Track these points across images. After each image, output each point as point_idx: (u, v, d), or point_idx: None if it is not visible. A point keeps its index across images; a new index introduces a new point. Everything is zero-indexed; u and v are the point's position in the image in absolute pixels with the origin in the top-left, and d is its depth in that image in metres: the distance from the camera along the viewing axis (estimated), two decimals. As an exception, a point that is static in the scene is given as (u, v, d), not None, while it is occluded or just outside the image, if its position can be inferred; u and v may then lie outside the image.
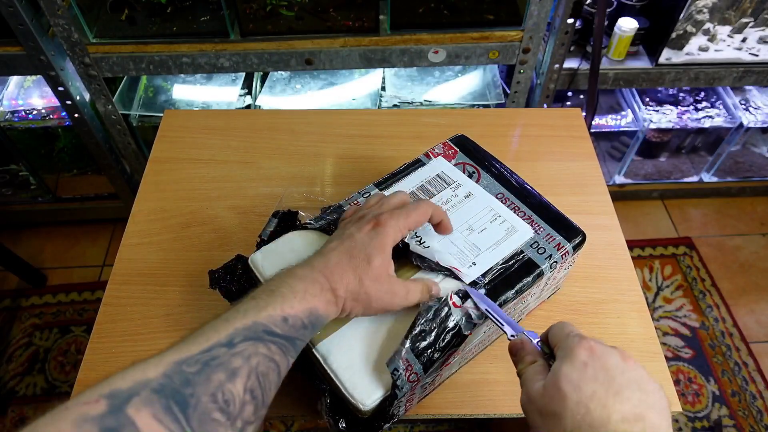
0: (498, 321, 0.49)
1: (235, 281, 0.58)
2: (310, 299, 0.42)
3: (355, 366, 0.49)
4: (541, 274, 0.54)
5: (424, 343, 0.48)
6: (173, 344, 0.36)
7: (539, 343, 0.44)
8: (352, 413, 0.49)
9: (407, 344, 0.48)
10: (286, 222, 0.59)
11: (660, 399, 0.36)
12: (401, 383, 0.46)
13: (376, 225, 0.47)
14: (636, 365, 0.38)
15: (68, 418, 0.28)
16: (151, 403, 0.30)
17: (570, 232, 0.58)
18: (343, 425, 0.49)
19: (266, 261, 0.55)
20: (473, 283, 0.53)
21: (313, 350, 0.50)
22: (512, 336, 0.47)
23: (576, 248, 0.58)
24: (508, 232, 0.57)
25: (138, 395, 0.30)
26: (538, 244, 0.56)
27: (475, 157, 0.65)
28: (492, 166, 0.64)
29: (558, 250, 0.56)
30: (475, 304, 0.51)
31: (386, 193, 0.61)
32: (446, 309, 0.50)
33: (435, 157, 0.65)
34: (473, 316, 0.51)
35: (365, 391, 0.47)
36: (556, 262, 0.55)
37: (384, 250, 0.46)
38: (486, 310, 0.50)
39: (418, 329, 0.48)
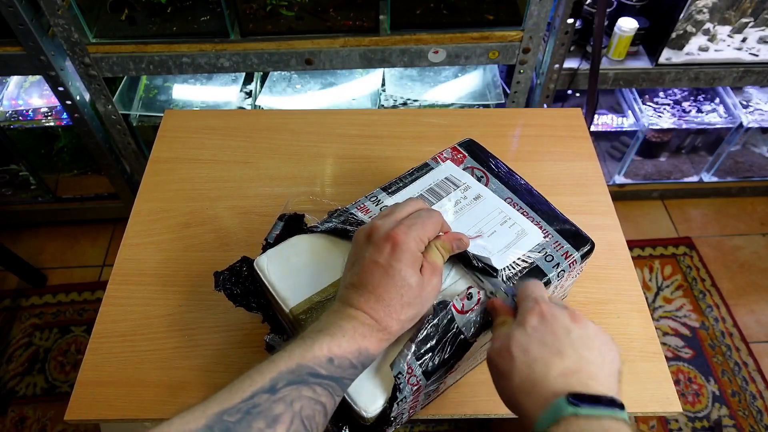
0: (479, 277, 0.51)
1: (240, 284, 0.58)
2: (360, 340, 0.41)
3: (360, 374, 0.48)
4: (548, 283, 0.54)
5: (426, 347, 0.48)
6: (218, 391, 0.36)
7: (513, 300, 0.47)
8: (355, 420, 0.48)
9: (412, 348, 0.47)
10: (292, 225, 0.59)
11: (603, 351, 0.40)
12: (403, 387, 0.46)
13: (394, 244, 0.44)
14: (584, 324, 0.41)
15: None
16: None
17: (578, 240, 0.57)
18: None
19: (272, 264, 0.55)
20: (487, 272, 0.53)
21: None
22: (490, 294, 0.50)
23: (584, 257, 0.57)
24: (518, 236, 0.57)
25: None
26: (546, 252, 0.55)
27: (484, 162, 0.64)
28: (501, 171, 0.64)
29: (566, 258, 0.55)
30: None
31: (395, 198, 0.60)
32: (449, 315, 0.49)
33: (443, 161, 0.64)
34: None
35: (369, 398, 0.47)
36: (563, 270, 0.55)
37: (414, 265, 0.44)
38: (474, 256, 0.51)
39: (423, 334, 0.48)
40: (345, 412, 0.49)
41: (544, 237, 0.57)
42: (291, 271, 0.54)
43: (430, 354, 0.48)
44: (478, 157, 0.65)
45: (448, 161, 0.64)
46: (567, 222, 0.59)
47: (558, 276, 0.55)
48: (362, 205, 0.59)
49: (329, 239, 0.57)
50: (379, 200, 0.60)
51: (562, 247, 0.56)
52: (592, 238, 0.57)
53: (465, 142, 0.68)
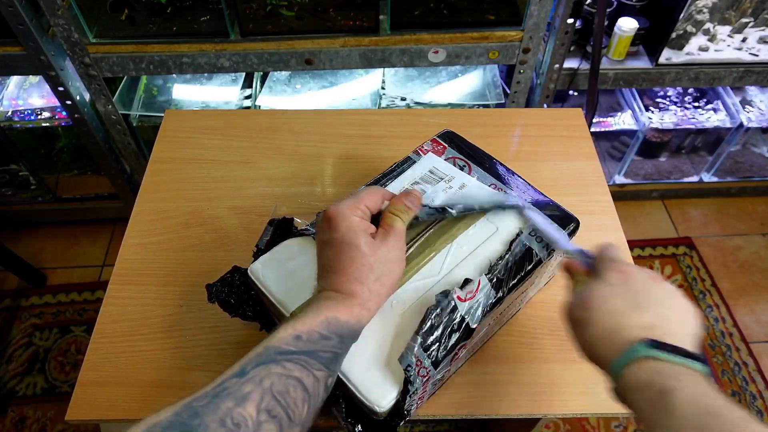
0: (553, 238, 0.53)
1: (234, 293, 0.58)
2: (325, 311, 0.42)
3: (366, 369, 0.49)
4: (540, 262, 0.55)
5: (432, 338, 0.48)
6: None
7: (591, 261, 0.49)
8: (368, 415, 0.49)
9: (418, 340, 0.48)
10: (282, 230, 0.59)
11: (681, 312, 0.42)
12: (413, 379, 0.47)
13: (328, 219, 0.46)
14: (664, 286, 0.43)
15: None
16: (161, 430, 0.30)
17: (564, 219, 0.59)
18: (360, 429, 0.49)
19: (266, 270, 0.55)
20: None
21: None
22: (567, 253, 0.52)
23: (571, 235, 0.59)
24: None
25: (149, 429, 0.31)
26: (536, 233, 0.57)
27: (464, 152, 0.66)
28: (482, 159, 0.65)
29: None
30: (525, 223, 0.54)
31: None
32: (452, 304, 0.50)
33: (425, 153, 0.65)
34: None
35: (380, 393, 0.47)
36: (553, 249, 0.56)
37: (355, 231, 0.45)
38: (541, 228, 0.54)
39: (428, 324, 0.48)
40: (357, 409, 0.49)
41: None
42: (286, 275, 0.54)
43: (437, 344, 0.48)
44: (459, 147, 0.66)
45: (430, 153, 0.65)
46: (551, 203, 0.61)
47: (548, 255, 0.56)
48: None
49: None
50: None
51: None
52: (576, 217, 0.60)
53: (444, 133, 0.68)
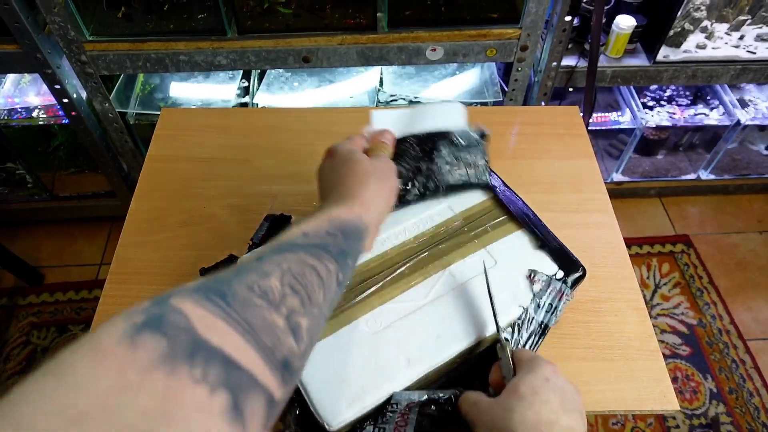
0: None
1: None
2: (328, 212, 0.44)
3: (327, 383, 0.48)
4: (547, 328, 0.55)
5: (431, 409, 0.48)
6: None
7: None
8: (320, 430, 0.48)
9: (424, 397, 0.48)
10: (278, 225, 0.59)
11: (584, 422, 0.45)
12: (390, 419, 0.46)
13: (327, 152, 0.54)
14: (578, 396, 0.46)
15: (117, 318, 0.28)
16: (191, 296, 0.30)
17: (570, 266, 0.59)
18: None
19: None
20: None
21: None
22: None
23: (575, 284, 0.58)
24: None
25: (178, 293, 0.30)
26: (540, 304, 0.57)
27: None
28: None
29: (559, 299, 0.57)
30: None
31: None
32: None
33: None
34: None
35: (333, 411, 0.47)
36: (557, 309, 0.56)
37: (352, 150, 0.52)
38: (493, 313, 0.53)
39: (436, 397, 0.48)
40: (311, 419, 0.48)
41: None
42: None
43: (430, 417, 0.48)
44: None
45: None
46: (562, 248, 0.61)
47: (555, 317, 0.56)
48: None
49: None
50: None
51: (556, 288, 0.57)
52: (583, 265, 0.60)
53: None
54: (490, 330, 0.54)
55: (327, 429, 0.46)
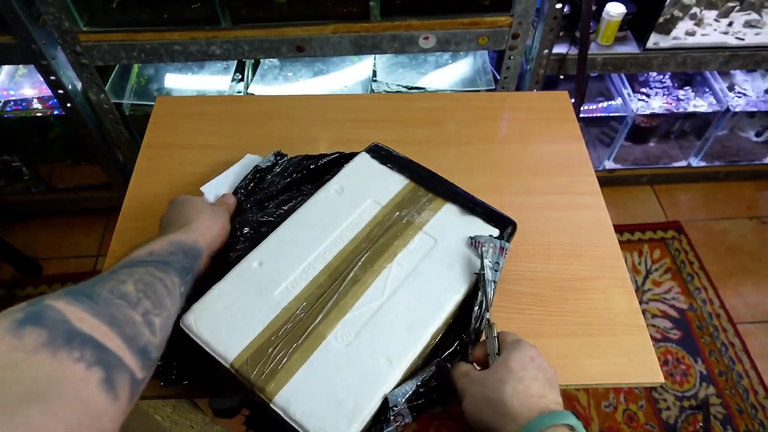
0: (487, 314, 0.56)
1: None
2: (169, 236, 0.52)
3: (320, 411, 0.48)
4: (495, 284, 0.58)
5: (422, 392, 0.50)
6: None
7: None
8: None
9: (413, 387, 0.49)
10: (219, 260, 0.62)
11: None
12: (391, 422, 0.47)
13: (169, 203, 0.65)
14: (556, 377, 0.49)
15: None
16: (62, 297, 0.37)
17: (503, 223, 0.62)
18: None
19: (200, 320, 0.54)
20: None
21: (272, 406, 0.48)
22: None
23: (509, 238, 0.62)
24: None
25: (49, 297, 0.37)
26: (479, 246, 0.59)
27: (396, 166, 0.68)
28: (415, 171, 0.67)
29: (502, 255, 0.59)
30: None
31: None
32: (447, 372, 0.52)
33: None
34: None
35: (343, 425, 0.47)
36: (500, 265, 0.59)
37: (189, 195, 0.64)
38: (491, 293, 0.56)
39: (422, 380, 0.50)
40: None
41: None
42: (222, 323, 0.53)
43: (423, 399, 0.50)
44: (387, 161, 0.68)
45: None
46: (487, 207, 0.64)
47: (497, 272, 0.58)
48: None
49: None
50: None
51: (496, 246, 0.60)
52: (513, 220, 0.63)
53: (371, 147, 0.70)
54: (452, 303, 0.56)
55: None
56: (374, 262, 0.58)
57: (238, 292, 0.56)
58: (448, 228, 0.61)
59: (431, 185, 0.66)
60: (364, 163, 0.68)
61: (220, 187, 0.71)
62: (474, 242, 0.60)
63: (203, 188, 0.71)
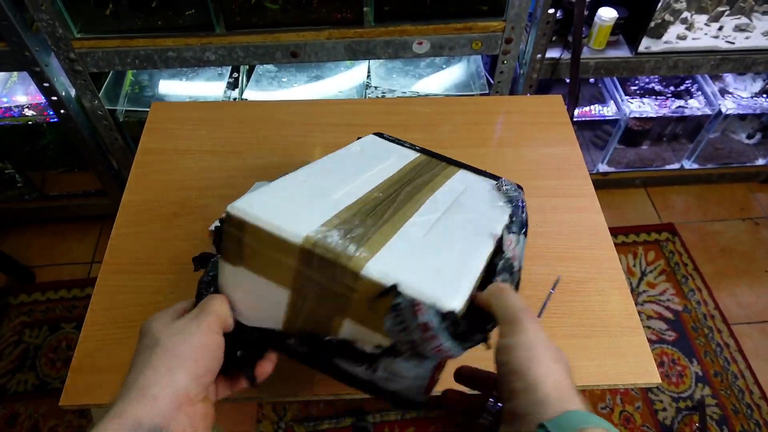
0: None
1: None
2: (108, 421, 0.36)
3: (416, 278, 0.40)
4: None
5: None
6: None
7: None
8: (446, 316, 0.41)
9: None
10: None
11: None
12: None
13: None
14: None
15: None
16: None
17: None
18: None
19: (256, 204, 0.44)
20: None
21: (363, 274, 0.40)
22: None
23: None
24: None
25: None
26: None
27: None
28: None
29: (522, 205, 0.58)
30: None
31: None
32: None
33: None
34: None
35: (450, 290, 0.41)
36: (524, 203, 0.58)
37: (151, 320, 0.44)
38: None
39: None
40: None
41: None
42: (281, 209, 0.44)
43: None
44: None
45: None
46: (491, 174, 0.63)
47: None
48: None
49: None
50: None
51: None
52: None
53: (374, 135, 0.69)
54: (498, 230, 0.52)
55: (455, 311, 0.40)
56: (416, 194, 0.54)
57: (290, 191, 0.48)
58: (471, 182, 0.61)
59: (442, 158, 0.65)
60: (374, 140, 0.67)
61: None
62: (500, 185, 0.60)
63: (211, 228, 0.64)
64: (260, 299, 0.45)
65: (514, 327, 0.39)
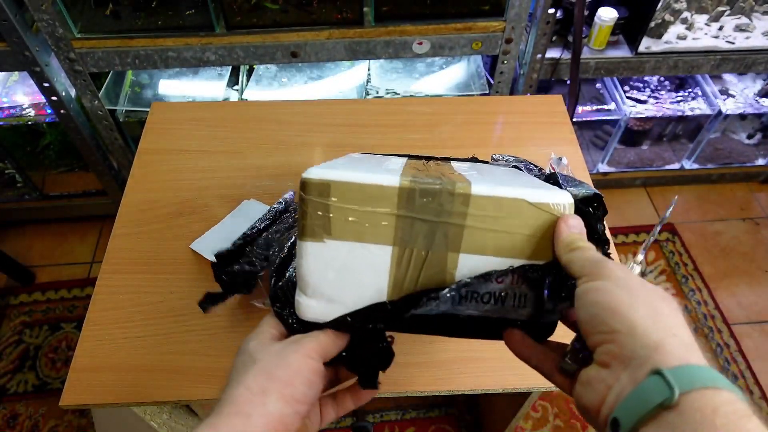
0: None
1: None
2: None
3: (524, 188, 0.39)
4: None
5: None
6: None
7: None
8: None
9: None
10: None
11: None
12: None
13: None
14: None
15: None
16: None
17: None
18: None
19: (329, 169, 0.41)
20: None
21: (476, 195, 0.38)
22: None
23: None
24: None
25: None
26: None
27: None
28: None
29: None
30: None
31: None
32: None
33: None
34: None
35: (559, 193, 0.39)
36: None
37: (250, 338, 0.42)
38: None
39: None
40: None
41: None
42: (358, 170, 0.41)
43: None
44: None
45: None
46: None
47: None
48: None
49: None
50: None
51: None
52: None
53: None
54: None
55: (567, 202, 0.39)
56: (442, 167, 0.50)
57: (342, 165, 0.44)
58: (465, 164, 0.58)
59: (427, 157, 0.61)
60: (356, 154, 0.64)
61: (212, 241, 0.68)
62: (497, 158, 0.60)
63: (193, 246, 0.68)
64: (358, 271, 0.41)
65: (602, 270, 0.35)
